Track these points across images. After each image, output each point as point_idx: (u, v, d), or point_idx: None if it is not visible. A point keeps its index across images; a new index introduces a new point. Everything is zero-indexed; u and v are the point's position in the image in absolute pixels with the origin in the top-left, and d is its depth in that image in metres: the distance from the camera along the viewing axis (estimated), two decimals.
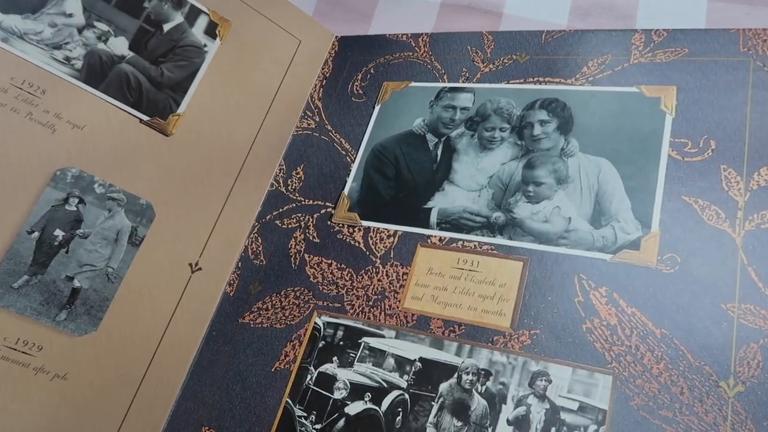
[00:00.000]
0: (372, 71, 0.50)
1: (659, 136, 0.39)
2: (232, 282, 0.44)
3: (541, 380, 0.34)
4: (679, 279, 0.34)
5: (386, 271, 0.41)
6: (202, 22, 0.47)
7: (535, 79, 0.44)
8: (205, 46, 0.47)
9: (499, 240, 0.39)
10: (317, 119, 0.50)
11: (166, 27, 0.46)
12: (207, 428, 0.39)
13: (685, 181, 0.37)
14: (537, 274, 0.37)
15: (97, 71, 0.43)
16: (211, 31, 0.48)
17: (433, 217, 0.41)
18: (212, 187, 0.40)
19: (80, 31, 0.43)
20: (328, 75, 0.52)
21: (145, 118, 0.44)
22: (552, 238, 0.38)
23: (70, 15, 0.43)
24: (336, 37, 0.54)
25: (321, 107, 0.50)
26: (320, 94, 0.51)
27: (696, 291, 0.34)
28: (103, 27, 0.44)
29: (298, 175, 0.47)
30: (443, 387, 0.35)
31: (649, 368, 0.33)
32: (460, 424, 0.34)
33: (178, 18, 0.47)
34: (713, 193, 0.36)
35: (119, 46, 0.44)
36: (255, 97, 0.49)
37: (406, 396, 0.36)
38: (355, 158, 0.46)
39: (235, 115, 0.47)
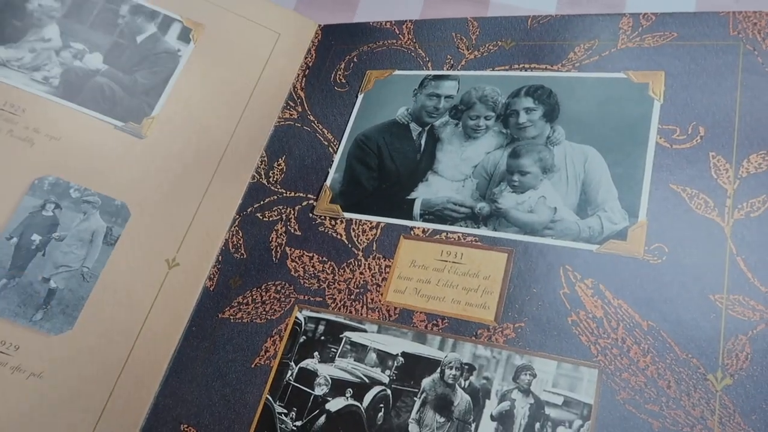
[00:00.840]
0: (355, 60, 0.49)
1: (647, 122, 0.38)
2: (212, 276, 0.43)
3: (526, 374, 0.33)
4: (666, 270, 0.33)
5: (368, 263, 0.40)
6: (175, 29, 0.49)
7: (521, 65, 0.43)
8: (179, 50, 0.48)
9: (483, 231, 0.38)
10: (300, 109, 0.49)
11: (139, 38, 0.48)
12: (186, 425, 0.38)
13: (673, 169, 0.36)
14: (522, 266, 0.36)
15: (73, 86, 0.46)
16: (184, 36, 0.49)
17: (417, 208, 0.40)
18: (189, 183, 0.40)
19: (57, 52, 0.46)
20: (311, 64, 0.51)
21: (120, 123, 0.45)
22: (537, 229, 0.37)
23: (49, 40, 0.46)
24: (319, 25, 0.53)
25: (303, 97, 0.49)
26: (303, 84, 0.50)
27: (684, 282, 0.33)
28: (78, 46, 0.47)
29: (280, 167, 0.46)
30: (426, 382, 0.35)
31: (635, 361, 0.32)
32: (443, 419, 0.33)
33: (151, 29, 0.49)
34: (702, 181, 0.35)
35: (94, 61, 0.47)
36: (233, 92, 0.48)
37: (389, 391, 0.35)
38: (337, 149, 0.45)
39: (212, 112, 0.47)
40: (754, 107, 0.36)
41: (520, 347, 0.34)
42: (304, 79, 0.50)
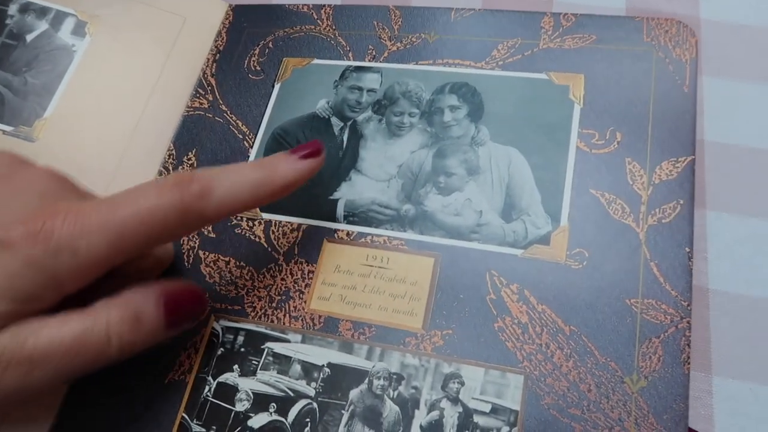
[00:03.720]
0: (270, 45, 0.46)
1: (568, 126, 0.38)
2: None
3: (454, 383, 0.33)
4: (586, 275, 0.34)
5: (290, 269, 0.38)
6: (69, 24, 0.46)
7: (445, 60, 0.42)
8: (74, 46, 0.45)
9: (409, 235, 0.37)
10: (210, 98, 0.45)
11: (30, 37, 0.45)
12: None
13: (593, 173, 0.37)
14: (449, 271, 0.36)
15: None
16: (79, 30, 0.46)
17: (340, 210, 0.39)
18: (88, 184, 0.36)
19: None
20: (221, 48, 0.47)
21: (9, 128, 0.42)
22: (464, 233, 0.37)
23: None
24: (230, 5, 0.49)
25: (215, 84, 0.45)
26: (213, 70, 0.46)
27: (603, 286, 0.34)
28: None
29: (190, 161, 0.43)
30: (353, 394, 0.34)
31: (558, 366, 0.33)
32: None
33: (42, 26, 0.46)
34: (619, 186, 0.36)
35: None
36: (134, 84, 0.45)
37: (315, 405, 0.34)
38: (253, 142, 0.42)
39: (112, 106, 0.44)
40: (666, 115, 0.38)
41: (448, 355, 0.34)
42: (214, 64, 0.46)
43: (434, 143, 0.40)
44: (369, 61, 0.44)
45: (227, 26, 0.48)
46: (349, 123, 0.42)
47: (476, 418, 0.32)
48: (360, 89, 0.43)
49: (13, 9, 0.46)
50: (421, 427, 0.32)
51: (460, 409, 0.32)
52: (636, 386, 0.32)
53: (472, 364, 0.33)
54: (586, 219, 0.36)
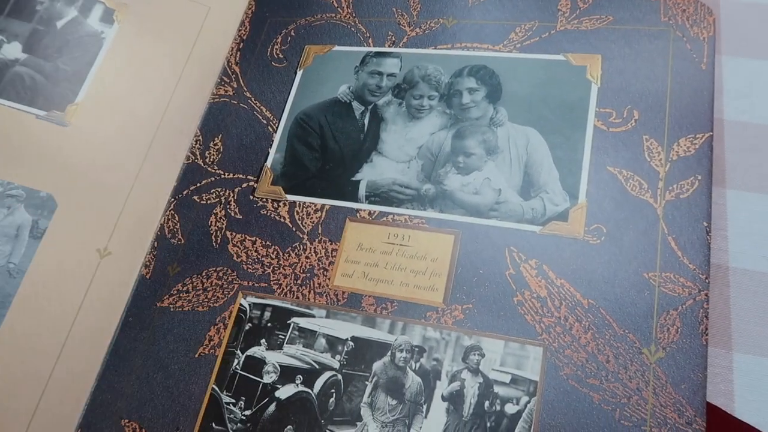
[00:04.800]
0: (293, 33, 0.47)
1: (585, 105, 0.39)
2: (148, 264, 0.41)
3: (475, 354, 0.34)
4: (604, 250, 0.35)
5: (314, 247, 0.39)
6: (97, 11, 0.47)
7: (463, 44, 0.43)
8: (102, 32, 0.47)
9: (429, 213, 0.38)
10: (235, 86, 0.46)
11: (60, 24, 0.47)
12: (127, 421, 0.37)
13: (610, 151, 0.37)
14: (468, 248, 0.37)
15: None
16: (107, 17, 0.47)
17: (362, 190, 0.40)
18: (117, 169, 0.38)
19: None
20: (245, 37, 0.48)
21: (42, 113, 0.44)
22: (483, 211, 0.38)
23: None
24: None
25: (239, 72, 0.47)
26: (237, 58, 0.47)
27: (621, 261, 0.35)
28: None
29: (216, 147, 0.44)
30: (377, 366, 0.35)
31: (577, 338, 0.33)
32: (395, 402, 0.34)
33: (72, 13, 0.47)
34: (636, 163, 0.37)
35: (12, 50, 0.46)
36: (161, 71, 0.46)
37: (339, 376, 0.35)
38: (277, 127, 0.44)
39: (140, 93, 0.46)
40: (683, 92, 0.38)
41: (468, 328, 0.35)
42: (238, 53, 0.48)
43: (453, 125, 0.41)
44: (389, 46, 0.45)
45: (250, 16, 0.49)
46: (370, 107, 0.43)
47: (496, 389, 0.33)
48: (380, 74, 0.44)
49: None
50: (442, 397, 0.33)
51: (481, 380, 0.33)
52: (654, 357, 0.32)
53: (492, 337, 0.34)
54: (604, 195, 0.36)
